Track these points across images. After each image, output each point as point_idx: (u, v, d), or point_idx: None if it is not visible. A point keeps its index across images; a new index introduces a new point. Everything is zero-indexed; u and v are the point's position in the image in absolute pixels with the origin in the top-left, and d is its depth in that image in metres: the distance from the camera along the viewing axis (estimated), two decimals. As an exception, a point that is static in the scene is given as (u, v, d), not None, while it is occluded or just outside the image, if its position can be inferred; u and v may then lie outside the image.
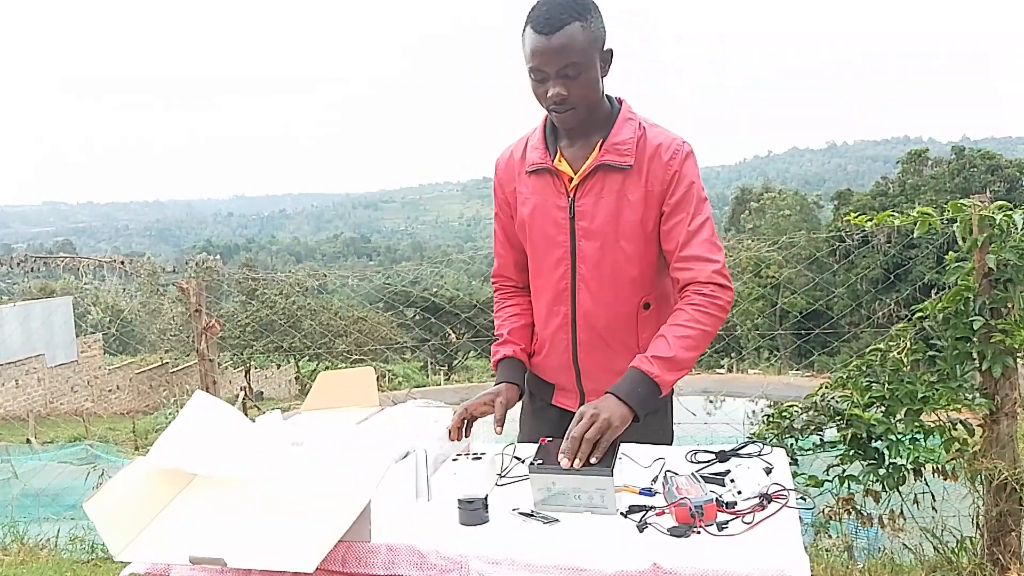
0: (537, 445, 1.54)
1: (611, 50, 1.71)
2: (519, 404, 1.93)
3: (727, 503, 1.35)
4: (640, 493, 1.45)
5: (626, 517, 1.36)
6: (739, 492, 1.38)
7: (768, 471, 1.50)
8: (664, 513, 1.35)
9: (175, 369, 24.40)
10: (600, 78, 1.71)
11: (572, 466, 1.42)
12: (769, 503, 1.34)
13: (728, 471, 1.48)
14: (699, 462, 1.61)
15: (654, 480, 1.49)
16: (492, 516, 1.40)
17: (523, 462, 1.64)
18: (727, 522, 1.30)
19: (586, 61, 1.64)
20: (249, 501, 1.34)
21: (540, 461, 1.45)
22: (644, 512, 1.35)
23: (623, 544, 1.28)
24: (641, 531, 1.30)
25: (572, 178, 1.75)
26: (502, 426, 1.73)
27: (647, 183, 1.72)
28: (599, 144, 1.73)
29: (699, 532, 1.28)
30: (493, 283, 2.02)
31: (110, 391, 24.01)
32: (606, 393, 1.58)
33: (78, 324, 24.40)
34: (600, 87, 1.72)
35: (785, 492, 1.36)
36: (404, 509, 1.45)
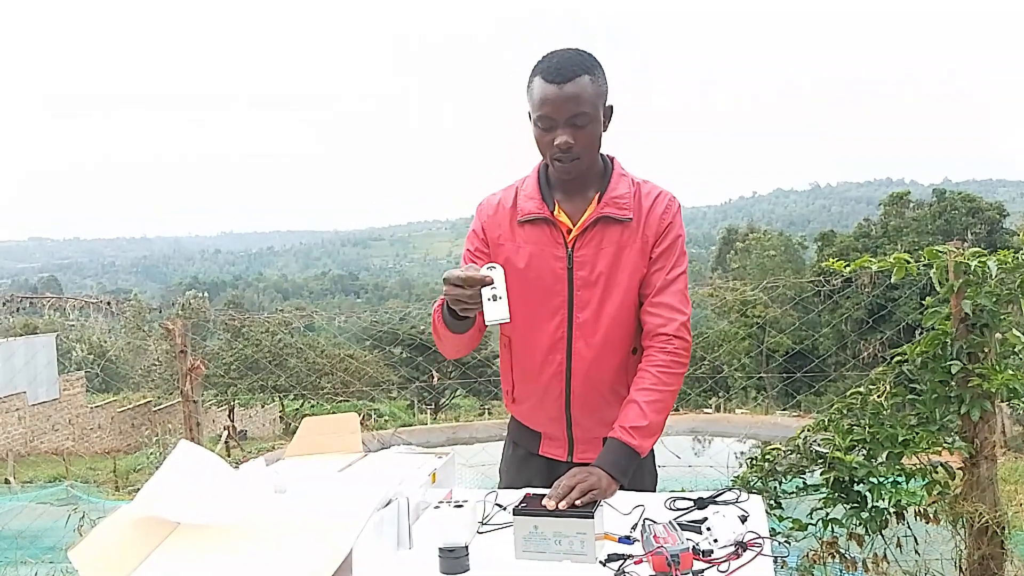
0: (522, 495, 1.57)
1: (612, 107, 1.77)
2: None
3: (703, 551, 1.37)
4: (620, 541, 1.47)
5: (605, 565, 1.38)
6: (715, 540, 1.41)
7: (744, 519, 1.52)
8: (642, 562, 1.37)
9: (158, 408, 24.15)
10: (602, 132, 1.77)
11: (557, 508, 1.44)
12: (744, 551, 1.36)
13: (705, 519, 1.50)
14: (678, 509, 1.63)
15: (633, 528, 1.51)
16: (473, 564, 1.41)
17: (505, 509, 1.66)
18: (703, 571, 1.32)
19: (594, 112, 1.71)
20: (232, 549, 1.34)
21: (523, 504, 1.48)
22: (622, 561, 1.37)
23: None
24: (619, 580, 1.32)
25: (571, 229, 1.79)
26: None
27: (643, 234, 1.79)
28: (597, 197, 1.79)
29: (676, 581, 1.30)
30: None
31: (92, 430, 23.70)
32: (592, 466, 1.64)
33: (61, 362, 24.17)
34: (601, 141, 1.78)
35: (760, 540, 1.39)
36: (385, 557, 1.46)
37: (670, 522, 1.47)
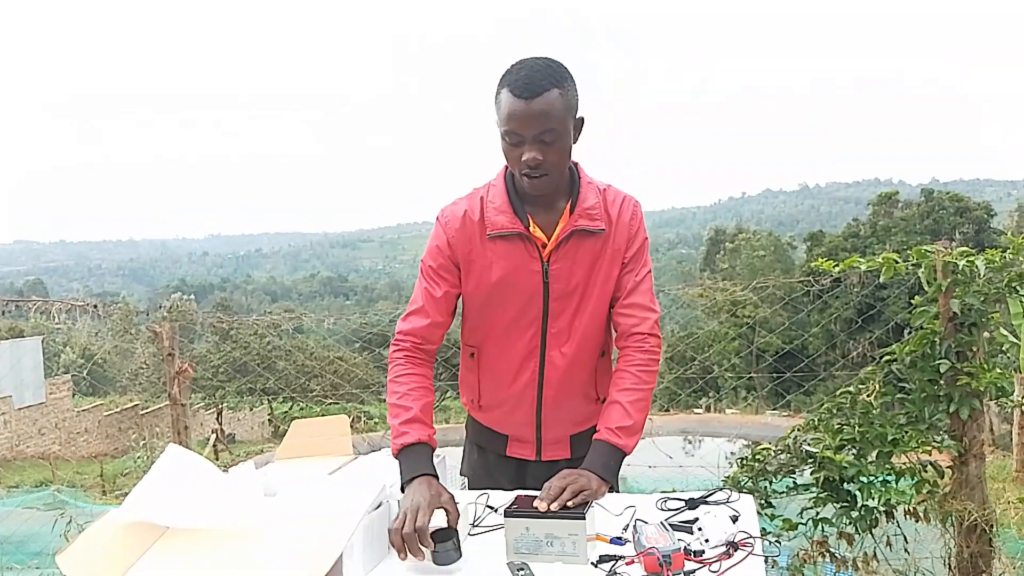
0: (514, 496, 1.57)
1: (583, 118, 1.74)
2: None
3: (695, 552, 1.37)
4: (611, 542, 1.46)
5: (597, 566, 1.37)
6: (706, 540, 1.41)
7: (735, 519, 1.52)
8: (634, 562, 1.37)
9: (145, 411, 23.99)
10: (571, 146, 1.73)
11: (548, 509, 1.44)
12: (735, 551, 1.36)
13: (696, 519, 1.51)
14: (669, 510, 1.63)
15: (625, 529, 1.51)
16: (468, 568, 1.40)
17: (496, 511, 1.65)
18: (694, 571, 1.32)
19: (563, 128, 1.67)
20: (221, 553, 1.33)
21: (515, 506, 1.48)
22: (614, 561, 1.37)
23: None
24: (611, 581, 1.32)
25: (545, 243, 1.77)
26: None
27: (614, 243, 1.79)
28: (567, 209, 1.77)
29: (668, 581, 1.29)
30: (403, 340, 1.82)
31: (79, 434, 23.51)
32: (581, 468, 1.65)
33: (47, 366, 23.98)
34: (571, 154, 1.75)
35: (751, 540, 1.39)
36: (375, 560, 1.45)
37: (661, 523, 1.47)
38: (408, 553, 1.43)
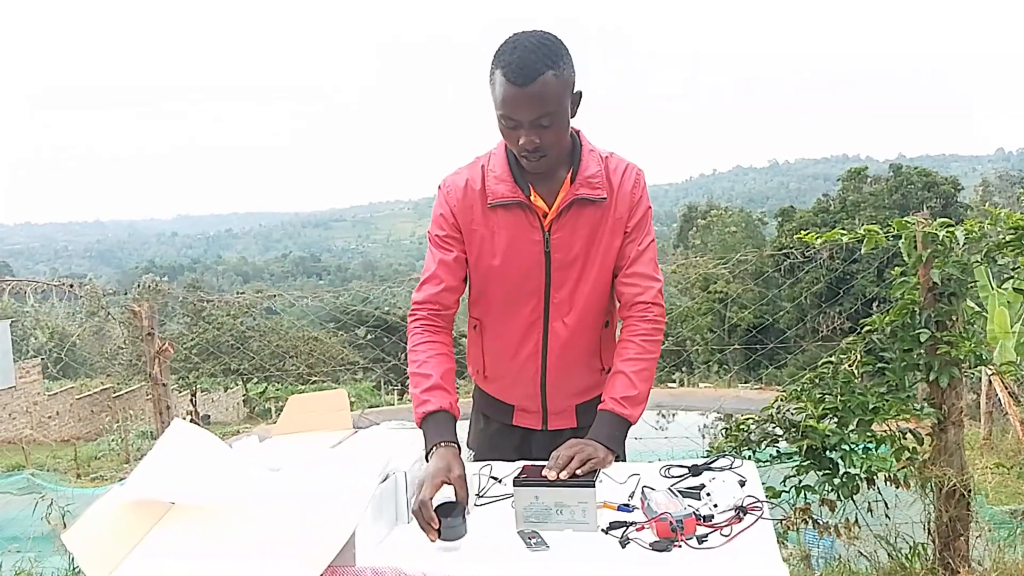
0: (519, 465, 1.58)
1: (580, 92, 1.70)
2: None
3: (705, 516, 1.39)
4: (619, 509, 1.48)
5: (607, 533, 1.39)
6: (715, 505, 1.43)
7: (742, 483, 1.55)
8: (644, 528, 1.39)
9: (118, 394, 23.72)
10: (569, 121, 1.71)
11: (558, 478, 1.45)
12: (745, 515, 1.39)
13: (703, 485, 1.53)
14: (673, 476, 1.65)
15: (631, 496, 1.53)
16: (477, 536, 1.41)
17: (500, 482, 1.67)
18: (706, 535, 1.34)
19: (559, 109, 1.63)
20: (231, 529, 1.33)
21: (524, 475, 1.49)
22: (625, 528, 1.38)
23: (610, 561, 1.31)
24: (623, 547, 1.34)
25: (546, 212, 1.76)
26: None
27: (616, 212, 1.78)
28: (569, 177, 1.76)
29: (680, 546, 1.32)
30: (419, 309, 1.82)
31: (50, 417, 23.19)
32: (587, 438, 1.65)
33: (16, 349, 23.55)
34: (569, 128, 1.72)
35: (759, 504, 1.41)
36: (383, 532, 1.46)
37: (669, 489, 1.49)
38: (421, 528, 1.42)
